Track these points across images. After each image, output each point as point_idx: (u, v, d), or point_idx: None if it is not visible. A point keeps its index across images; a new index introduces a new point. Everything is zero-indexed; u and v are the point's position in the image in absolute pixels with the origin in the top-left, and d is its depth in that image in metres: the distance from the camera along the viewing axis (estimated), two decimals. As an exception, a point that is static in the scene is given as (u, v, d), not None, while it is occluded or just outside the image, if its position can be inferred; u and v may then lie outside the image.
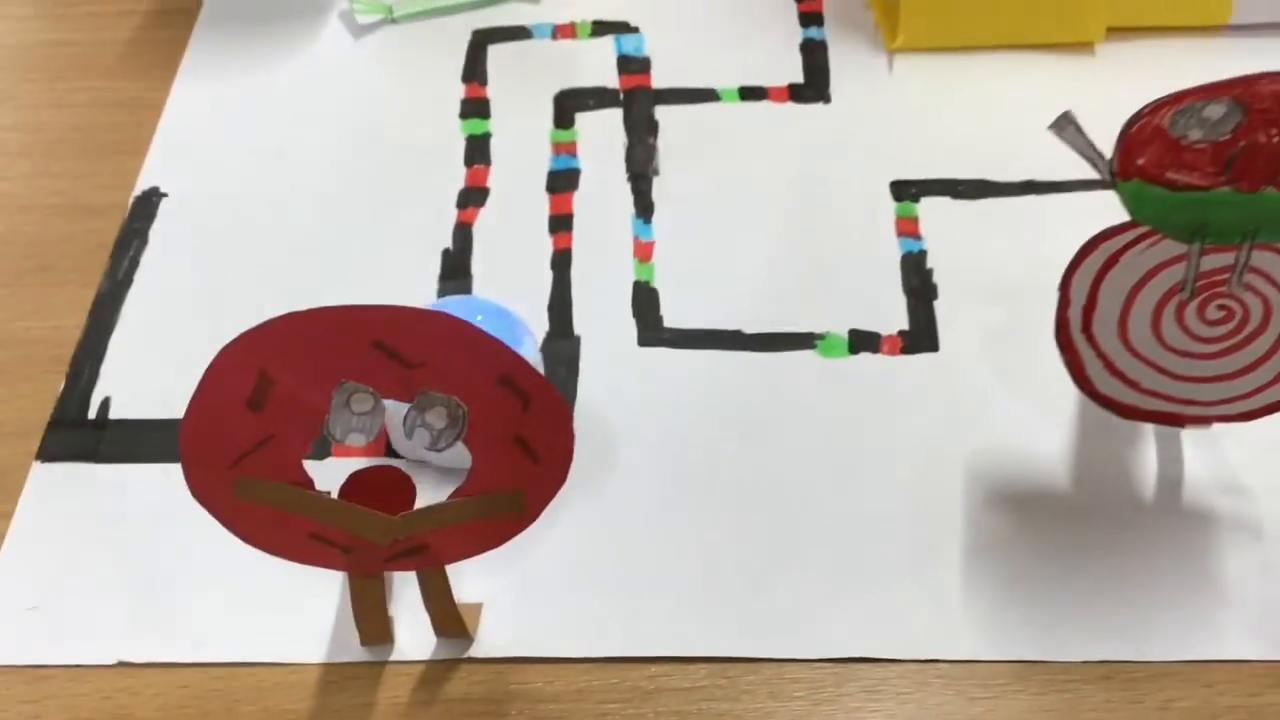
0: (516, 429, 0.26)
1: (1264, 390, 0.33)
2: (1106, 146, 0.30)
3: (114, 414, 0.37)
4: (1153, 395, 0.33)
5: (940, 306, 0.39)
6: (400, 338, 0.25)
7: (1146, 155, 0.29)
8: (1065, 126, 0.30)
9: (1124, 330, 0.32)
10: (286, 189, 0.43)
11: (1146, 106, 0.28)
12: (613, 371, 0.38)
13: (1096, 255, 0.32)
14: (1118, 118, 0.46)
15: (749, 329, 0.39)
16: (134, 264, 0.40)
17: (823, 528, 0.34)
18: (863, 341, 0.38)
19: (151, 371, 0.38)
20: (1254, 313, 0.32)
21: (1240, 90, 0.27)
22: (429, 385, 0.26)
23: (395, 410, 0.29)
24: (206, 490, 0.27)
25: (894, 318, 0.39)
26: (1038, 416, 0.36)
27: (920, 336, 0.39)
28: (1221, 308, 0.32)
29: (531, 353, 0.35)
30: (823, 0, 0.49)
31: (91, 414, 0.37)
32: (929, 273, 0.40)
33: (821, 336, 0.39)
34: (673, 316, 0.39)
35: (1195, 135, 0.29)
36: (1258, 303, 0.32)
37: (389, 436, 0.33)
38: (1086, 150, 0.30)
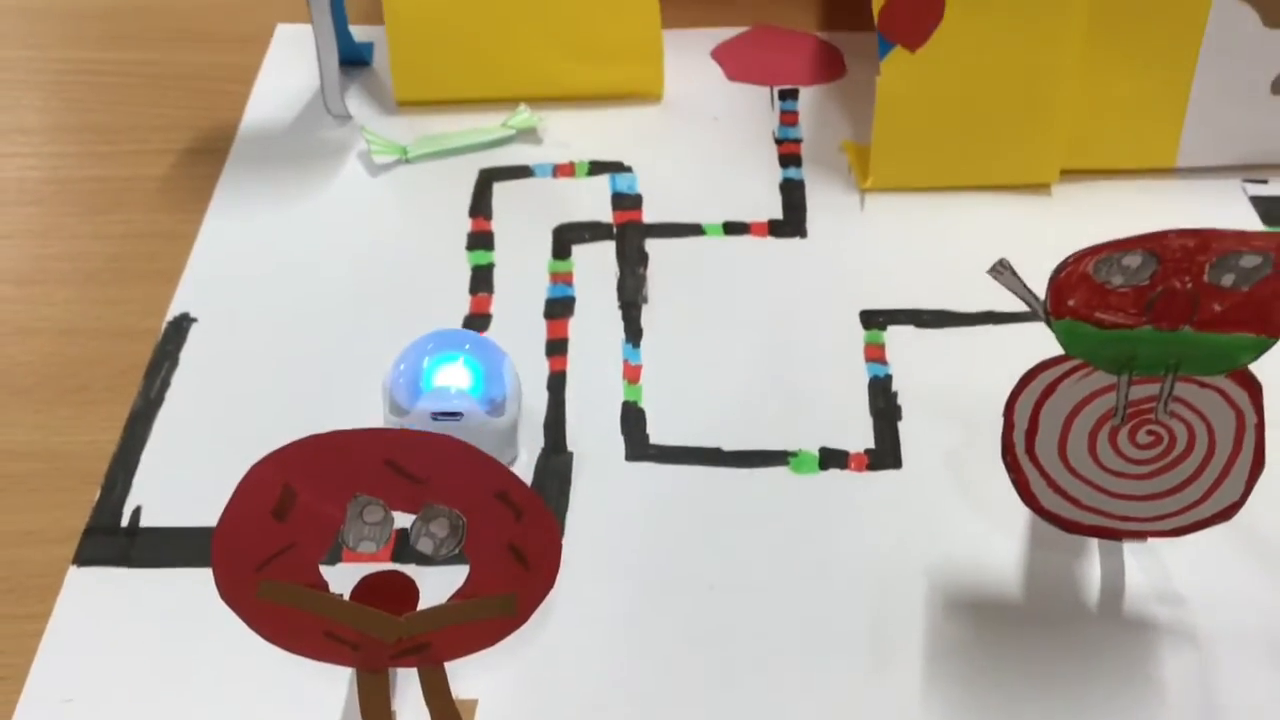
0: (510, 538, 0.29)
1: (1192, 508, 0.36)
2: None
3: (144, 522, 0.40)
4: (1092, 511, 0.36)
5: (904, 427, 0.43)
6: (409, 457, 0.28)
7: (1076, 297, 0.33)
8: (1002, 272, 0.33)
9: (1064, 452, 0.36)
10: (307, 315, 0.46)
11: (1071, 256, 0.32)
12: (602, 485, 0.41)
13: (1036, 384, 0.35)
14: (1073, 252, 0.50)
15: (728, 446, 0.42)
16: (165, 384, 0.44)
17: (793, 631, 0.37)
18: (832, 459, 0.42)
19: (179, 484, 0.41)
20: (1180, 438, 0.35)
21: (1152, 243, 0.31)
22: (433, 499, 0.29)
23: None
24: (233, 592, 0.30)
25: (861, 437, 0.42)
26: (992, 530, 0.39)
27: (885, 454, 0.42)
28: (1151, 433, 0.35)
29: (511, 378, 0.40)
30: (801, 144, 0.54)
31: (124, 522, 0.40)
32: (894, 395, 0.44)
33: (794, 454, 0.42)
34: (658, 434, 0.42)
35: (1117, 281, 0.32)
36: (1183, 429, 0.35)
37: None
38: (1023, 292, 0.34)
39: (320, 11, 0.51)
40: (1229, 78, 0.50)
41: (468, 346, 0.39)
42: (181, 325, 0.46)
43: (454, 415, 0.38)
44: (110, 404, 0.43)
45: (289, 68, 0.57)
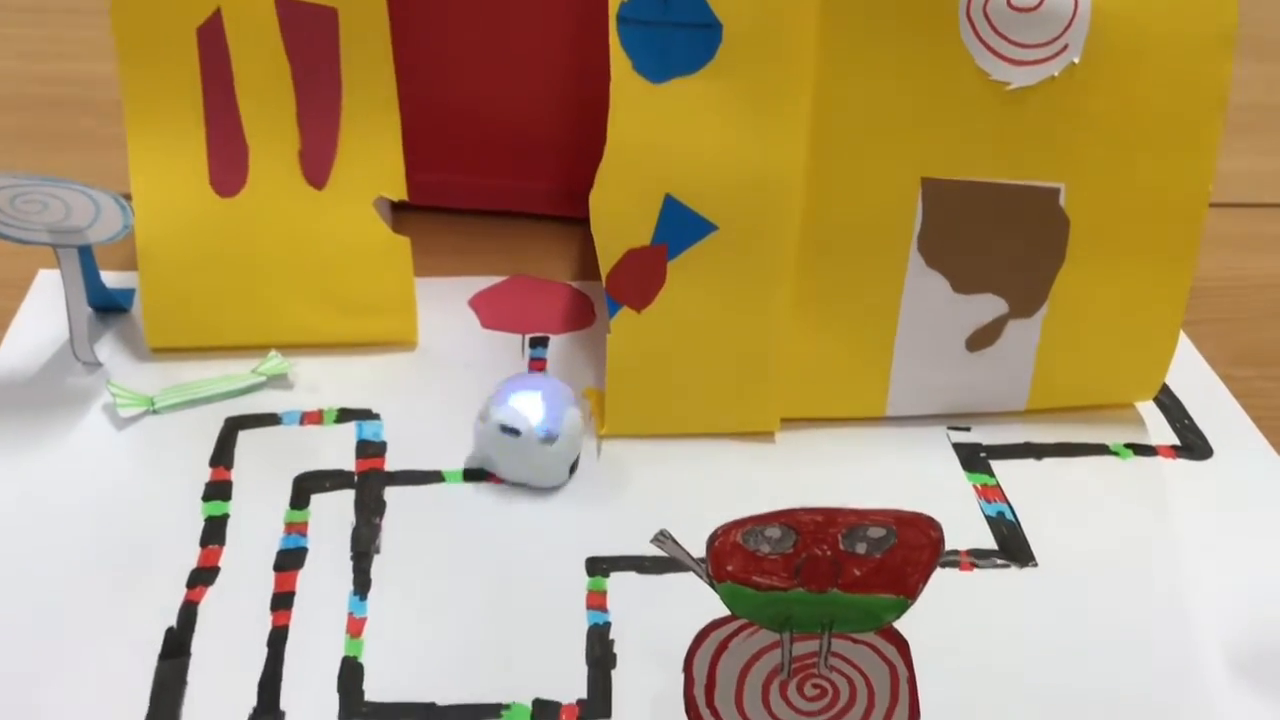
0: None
1: (863, 756, 0.38)
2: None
3: None
4: (771, 762, 0.38)
5: (617, 675, 0.44)
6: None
7: (733, 563, 0.35)
8: (664, 541, 0.36)
9: (740, 705, 0.38)
10: (30, 570, 0.46)
11: (720, 528, 0.35)
12: (311, 745, 0.41)
13: (710, 641, 0.37)
14: (796, 495, 0.53)
15: (442, 702, 0.43)
16: None
17: None
18: (544, 711, 0.43)
19: None
20: (843, 690, 0.37)
21: (786, 518, 0.34)
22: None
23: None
24: None
25: (575, 687, 0.44)
26: (687, 781, 0.41)
27: (596, 704, 0.43)
28: (816, 686, 0.37)
29: (570, 421, 0.51)
30: (545, 392, 0.57)
31: None
32: (611, 643, 0.45)
33: (507, 707, 0.43)
34: (374, 691, 0.43)
35: (765, 549, 0.35)
36: (844, 682, 0.37)
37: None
38: (686, 559, 0.36)
39: (68, 259, 0.53)
40: (927, 337, 0.55)
41: (546, 387, 0.51)
42: (-108, 585, 0.45)
43: (514, 432, 0.50)
44: None
45: (46, 314, 0.58)
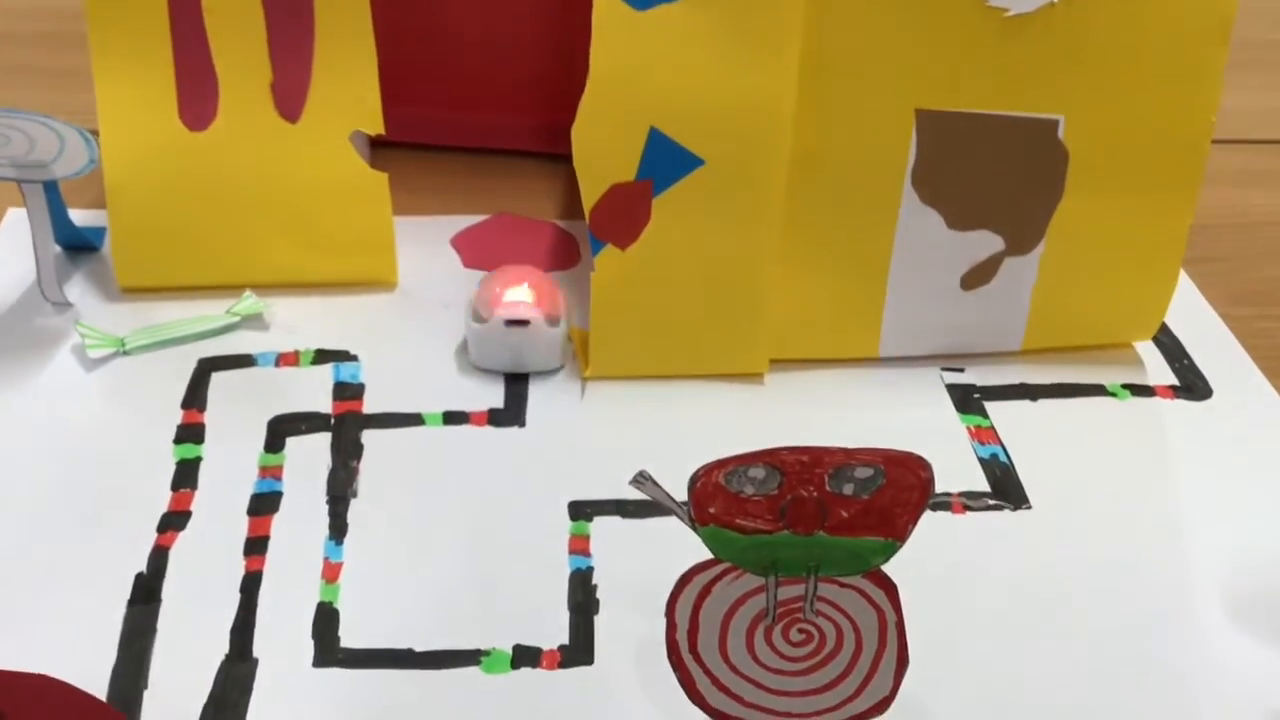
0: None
1: (849, 703, 0.37)
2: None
3: None
4: (755, 708, 0.37)
5: (600, 621, 0.43)
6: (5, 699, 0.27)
7: (716, 505, 0.34)
8: (644, 482, 0.35)
9: (724, 651, 0.37)
10: (-5, 514, 0.45)
11: (701, 469, 0.33)
12: (285, 694, 0.40)
13: (693, 586, 0.36)
14: (785, 438, 0.52)
15: (420, 647, 0.42)
16: None
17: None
18: (524, 657, 0.42)
19: None
20: (829, 635, 0.36)
21: (770, 458, 0.33)
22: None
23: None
24: None
25: (556, 633, 0.43)
26: (670, 727, 0.40)
27: (578, 650, 0.42)
28: (802, 631, 0.36)
29: (562, 300, 0.53)
30: (528, 331, 0.55)
31: None
32: (594, 588, 0.44)
33: (487, 653, 0.42)
34: (350, 637, 0.42)
35: (749, 491, 0.34)
36: (831, 627, 0.36)
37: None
38: (667, 501, 0.35)
39: (33, 195, 0.51)
40: (921, 276, 0.53)
41: (529, 275, 0.52)
42: None
43: (523, 323, 0.50)
44: None
45: (13, 253, 0.56)
